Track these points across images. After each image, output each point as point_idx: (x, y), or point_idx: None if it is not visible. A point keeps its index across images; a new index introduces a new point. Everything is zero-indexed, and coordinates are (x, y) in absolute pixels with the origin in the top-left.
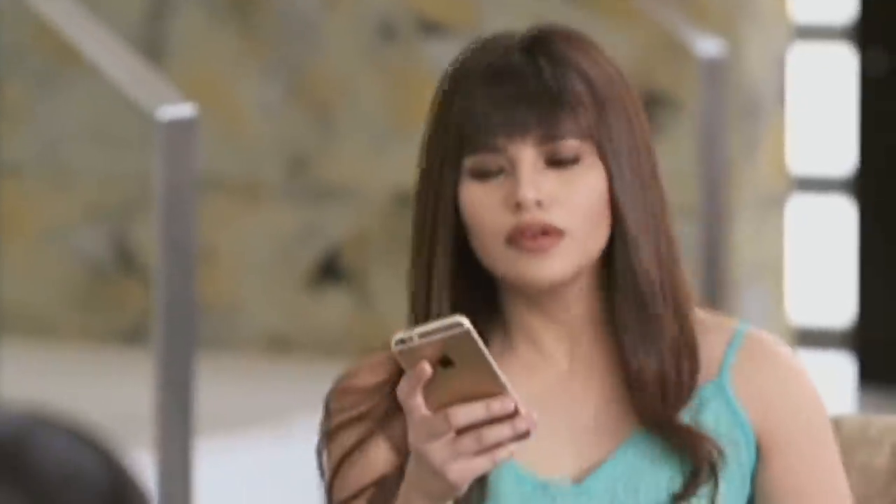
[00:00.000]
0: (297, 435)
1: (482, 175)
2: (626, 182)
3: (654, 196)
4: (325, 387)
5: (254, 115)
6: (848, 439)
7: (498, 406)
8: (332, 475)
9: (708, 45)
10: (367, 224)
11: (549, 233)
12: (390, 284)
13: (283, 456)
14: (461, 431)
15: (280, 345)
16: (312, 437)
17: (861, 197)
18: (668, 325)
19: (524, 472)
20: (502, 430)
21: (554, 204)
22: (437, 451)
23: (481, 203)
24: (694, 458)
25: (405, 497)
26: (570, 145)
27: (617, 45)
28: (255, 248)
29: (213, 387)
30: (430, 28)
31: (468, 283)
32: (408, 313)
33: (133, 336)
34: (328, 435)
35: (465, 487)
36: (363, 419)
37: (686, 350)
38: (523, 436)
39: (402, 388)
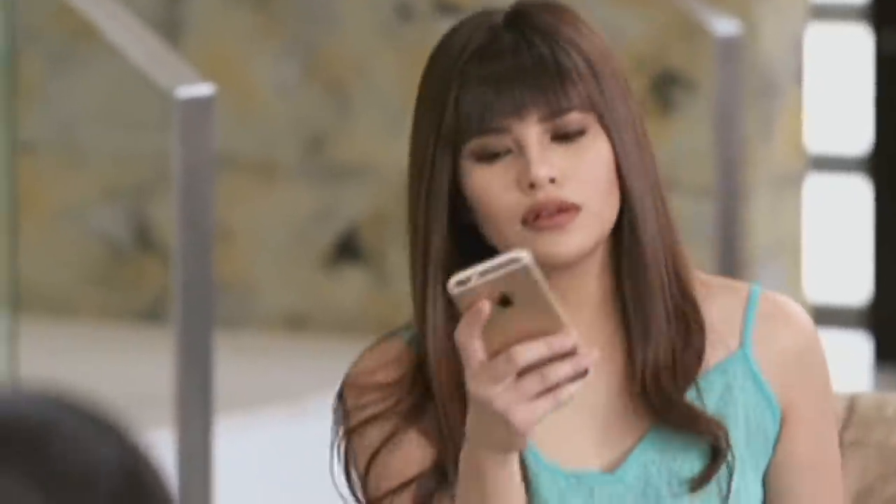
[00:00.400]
0: (314, 413)
1: (487, 157)
2: (629, 152)
3: (651, 165)
4: (342, 365)
5: (270, 94)
6: (864, 418)
7: (559, 343)
8: (365, 474)
9: (724, 25)
10: (383, 203)
11: (566, 209)
12: (407, 263)
13: (300, 434)
14: (521, 373)
15: (297, 324)
16: (329, 415)
17: (877, 176)
18: (673, 298)
19: (555, 467)
20: (563, 368)
21: (566, 179)
22: (501, 395)
23: (490, 186)
24: (700, 439)
25: (470, 456)
26: (574, 118)
27: (632, 25)
28: (272, 227)
29: (230, 365)
30: (447, 7)
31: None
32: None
33: (151, 315)
34: (349, 433)
35: (530, 434)
36: (388, 416)
37: (692, 325)
38: (583, 374)
39: (460, 333)
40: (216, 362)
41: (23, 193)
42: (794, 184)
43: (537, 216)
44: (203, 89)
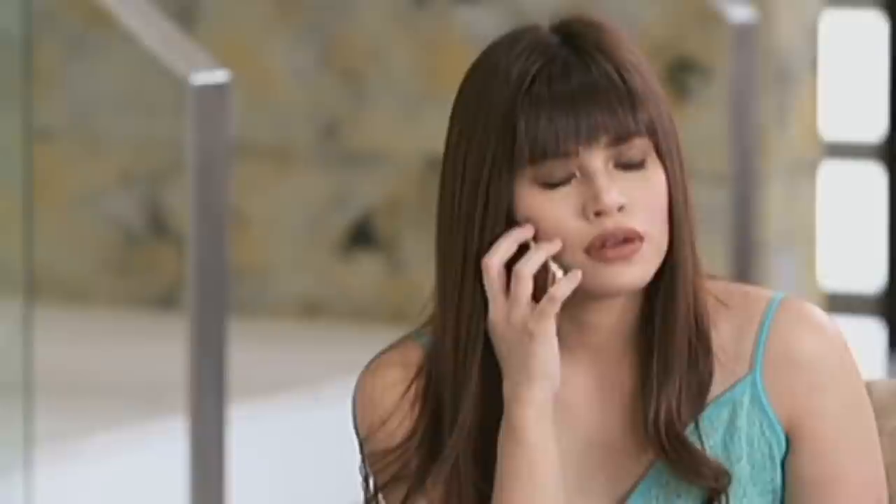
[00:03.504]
0: (328, 400)
1: (550, 183)
2: (678, 181)
3: (691, 194)
4: (356, 352)
5: (286, 81)
6: (878, 405)
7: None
8: None
9: (739, 11)
10: (398, 190)
11: (631, 239)
12: (422, 250)
13: (314, 420)
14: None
15: (311, 310)
16: (343, 401)
17: (892, 162)
18: (691, 336)
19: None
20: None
21: (632, 208)
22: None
23: (553, 213)
24: (701, 485)
25: (510, 420)
26: (638, 144)
27: (648, 11)
28: (287, 214)
29: (244, 352)
30: None
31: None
32: (437, 313)
33: (166, 301)
34: (373, 497)
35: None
36: (402, 478)
37: (703, 364)
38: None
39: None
40: (230, 349)
41: (38, 180)
42: (808, 171)
43: (602, 245)
44: (218, 76)
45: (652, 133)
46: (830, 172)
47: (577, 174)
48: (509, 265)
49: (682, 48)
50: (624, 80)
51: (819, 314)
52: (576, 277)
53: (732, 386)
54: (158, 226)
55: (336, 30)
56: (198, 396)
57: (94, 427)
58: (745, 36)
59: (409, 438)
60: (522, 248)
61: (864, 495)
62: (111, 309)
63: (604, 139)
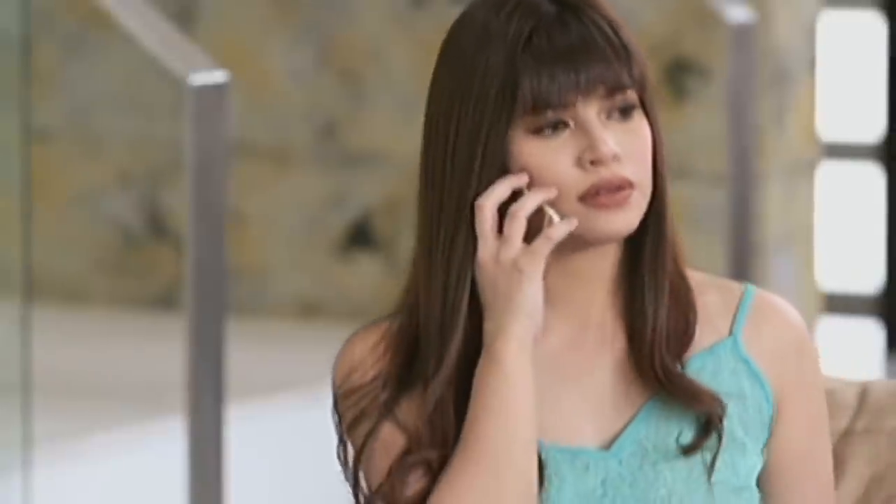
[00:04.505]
0: (327, 400)
1: (543, 132)
2: (659, 133)
3: (665, 150)
4: None
5: (284, 81)
6: (877, 405)
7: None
8: (354, 474)
9: (737, 12)
10: (396, 190)
11: (624, 186)
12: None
13: (313, 421)
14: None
15: (310, 310)
16: None
17: (890, 163)
18: (671, 279)
19: (553, 445)
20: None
21: (624, 157)
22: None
23: (549, 161)
24: (698, 412)
25: (489, 353)
26: (630, 96)
27: (646, 11)
28: (285, 214)
29: (242, 352)
30: None
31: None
32: (417, 267)
33: (164, 301)
34: (341, 440)
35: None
36: (369, 414)
37: (686, 302)
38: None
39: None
40: (228, 349)
41: (36, 180)
42: (807, 171)
43: (598, 192)
44: (217, 76)
45: (641, 87)
46: (829, 173)
47: (572, 124)
48: (502, 212)
49: (680, 48)
50: (618, 35)
51: (788, 304)
52: (571, 223)
53: (714, 343)
54: (157, 226)
55: (334, 30)
56: (196, 396)
57: (92, 427)
58: (743, 36)
59: (378, 377)
60: (516, 196)
61: (830, 473)
62: (109, 309)
63: (601, 90)
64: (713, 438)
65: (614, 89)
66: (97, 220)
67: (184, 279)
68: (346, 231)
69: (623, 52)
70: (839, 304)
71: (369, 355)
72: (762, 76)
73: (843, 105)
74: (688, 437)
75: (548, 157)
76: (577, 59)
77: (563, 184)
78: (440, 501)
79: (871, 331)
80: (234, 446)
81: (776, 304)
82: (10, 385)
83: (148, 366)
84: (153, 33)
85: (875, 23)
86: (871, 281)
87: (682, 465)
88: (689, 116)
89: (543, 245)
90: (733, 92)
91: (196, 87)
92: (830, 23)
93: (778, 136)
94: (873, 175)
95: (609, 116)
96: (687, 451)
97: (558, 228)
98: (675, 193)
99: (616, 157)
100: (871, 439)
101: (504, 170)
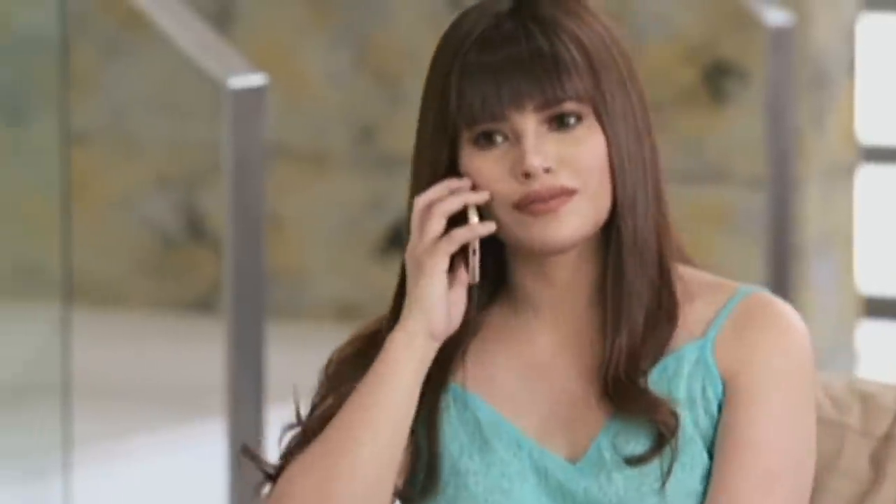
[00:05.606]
0: None
1: (484, 144)
2: (623, 146)
3: (650, 156)
4: None
5: (321, 84)
6: None
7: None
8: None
9: (776, 15)
10: None
11: (558, 194)
12: None
13: None
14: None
15: (349, 313)
16: None
17: None
18: (651, 290)
19: (520, 434)
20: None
21: (562, 166)
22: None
23: (487, 172)
24: (653, 423)
25: (390, 339)
26: (569, 107)
27: (684, 15)
28: (323, 217)
29: (281, 355)
30: None
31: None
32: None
33: (203, 305)
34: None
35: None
36: (337, 387)
37: (664, 315)
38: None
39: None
40: (267, 352)
41: (75, 183)
42: (846, 175)
43: (531, 201)
44: (255, 79)
45: (587, 99)
46: (868, 176)
47: (511, 136)
48: (455, 220)
49: (718, 52)
50: (554, 52)
51: (786, 309)
52: (487, 227)
53: (681, 347)
54: (195, 229)
55: (371, 33)
56: (236, 399)
57: (132, 430)
58: (781, 39)
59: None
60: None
61: (779, 482)
62: (148, 312)
63: (530, 105)
64: (667, 449)
65: (547, 103)
66: (136, 223)
67: (222, 282)
68: (383, 233)
69: (555, 69)
70: (879, 308)
71: (355, 342)
72: (801, 79)
73: (883, 108)
74: (644, 447)
75: (485, 168)
76: (499, 76)
77: (499, 192)
78: (289, 471)
79: None
80: (274, 448)
81: (769, 308)
82: (50, 387)
83: (187, 368)
84: (191, 36)
85: None
86: None
87: (636, 473)
88: (729, 120)
89: (445, 244)
90: (772, 95)
91: (234, 90)
92: (870, 25)
93: (817, 140)
94: None
95: (550, 128)
96: (636, 462)
97: (464, 231)
98: (715, 197)
99: (548, 170)
100: None
101: (457, 176)
